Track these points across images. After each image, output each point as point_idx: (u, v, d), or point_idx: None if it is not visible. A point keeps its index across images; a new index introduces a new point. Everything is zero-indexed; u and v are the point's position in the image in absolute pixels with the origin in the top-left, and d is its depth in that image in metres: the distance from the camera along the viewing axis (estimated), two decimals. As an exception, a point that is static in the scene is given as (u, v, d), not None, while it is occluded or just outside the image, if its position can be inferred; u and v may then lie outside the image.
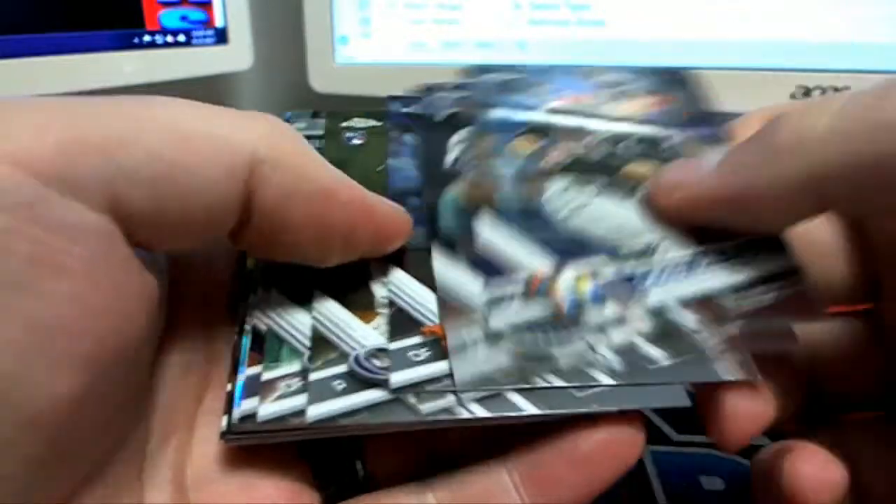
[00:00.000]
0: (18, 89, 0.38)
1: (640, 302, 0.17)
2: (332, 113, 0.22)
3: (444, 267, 0.17)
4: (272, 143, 0.14)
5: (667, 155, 0.20)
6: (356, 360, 0.16)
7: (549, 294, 0.17)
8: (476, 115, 0.21)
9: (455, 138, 0.21)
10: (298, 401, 0.15)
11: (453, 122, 0.21)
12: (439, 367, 0.15)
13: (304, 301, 0.17)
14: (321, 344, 0.16)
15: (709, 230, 0.18)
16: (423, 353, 0.16)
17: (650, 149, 0.20)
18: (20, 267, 0.11)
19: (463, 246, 0.18)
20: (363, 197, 0.16)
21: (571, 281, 0.17)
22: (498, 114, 0.21)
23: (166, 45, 0.44)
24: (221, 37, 0.46)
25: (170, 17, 0.44)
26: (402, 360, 0.16)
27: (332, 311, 0.17)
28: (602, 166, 0.20)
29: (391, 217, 0.17)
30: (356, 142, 0.21)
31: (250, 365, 0.16)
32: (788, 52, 0.45)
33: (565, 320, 0.16)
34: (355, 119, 0.22)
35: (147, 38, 0.43)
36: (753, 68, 0.45)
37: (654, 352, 0.16)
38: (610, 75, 0.23)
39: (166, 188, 0.13)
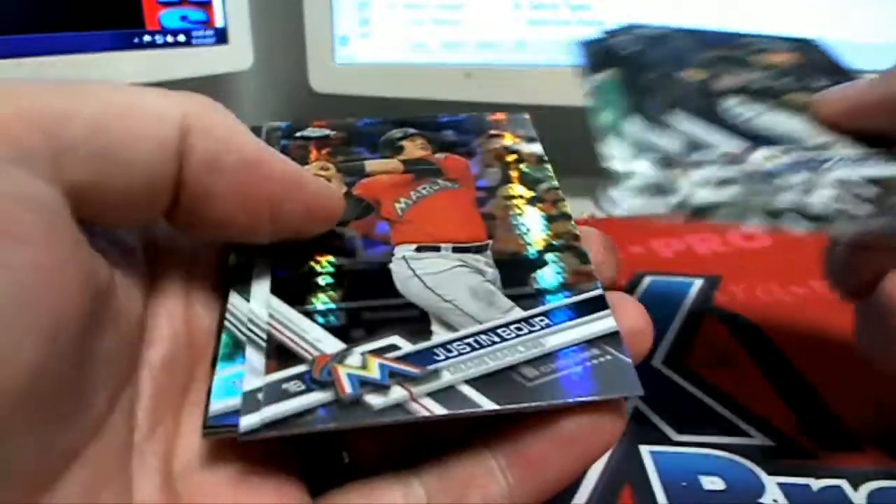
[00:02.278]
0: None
1: (827, 176, 0.19)
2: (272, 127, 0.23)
3: (662, 136, 0.20)
4: (200, 114, 0.15)
5: (821, 90, 0.23)
6: (312, 363, 0.16)
7: (743, 163, 0.19)
8: (645, 55, 0.25)
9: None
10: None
11: (634, 57, 0.25)
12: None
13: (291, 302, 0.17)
14: (277, 347, 0.16)
15: (873, 140, 0.20)
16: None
17: (807, 85, 0.23)
18: None
19: (670, 127, 0.20)
20: (292, 171, 0.16)
21: (762, 158, 0.19)
22: (660, 53, 0.25)
23: (166, 45, 0.44)
24: (221, 37, 0.46)
25: (170, 17, 0.44)
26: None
27: (287, 315, 0.17)
28: (767, 93, 0.23)
29: (322, 195, 0.17)
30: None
31: (268, 371, 0.16)
32: (788, 52, 0.45)
33: (764, 177, 0.18)
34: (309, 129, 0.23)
35: (147, 38, 0.43)
36: (753, 68, 0.45)
37: (860, 207, 0.18)
38: (747, 38, 0.27)
39: (107, 161, 0.14)
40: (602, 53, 0.26)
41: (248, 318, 0.17)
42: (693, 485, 0.25)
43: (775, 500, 0.24)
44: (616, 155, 0.19)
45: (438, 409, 0.15)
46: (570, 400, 0.15)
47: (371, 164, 0.21)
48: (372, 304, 0.17)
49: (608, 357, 0.16)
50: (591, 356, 0.16)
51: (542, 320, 0.17)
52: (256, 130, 0.22)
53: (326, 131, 0.23)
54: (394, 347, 0.16)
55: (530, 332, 0.16)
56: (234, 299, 0.17)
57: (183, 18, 0.44)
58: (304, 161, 0.21)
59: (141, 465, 0.15)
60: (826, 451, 0.26)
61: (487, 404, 0.15)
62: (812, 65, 0.25)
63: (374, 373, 0.15)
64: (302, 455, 0.17)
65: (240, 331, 0.17)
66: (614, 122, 0.21)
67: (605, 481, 0.25)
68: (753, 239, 0.43)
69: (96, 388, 0.14)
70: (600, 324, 0.17)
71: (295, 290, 0.17)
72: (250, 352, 0.16)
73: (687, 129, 0.20)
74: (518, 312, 0.17)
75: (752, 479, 0.25)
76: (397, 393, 0.15)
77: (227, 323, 0.17)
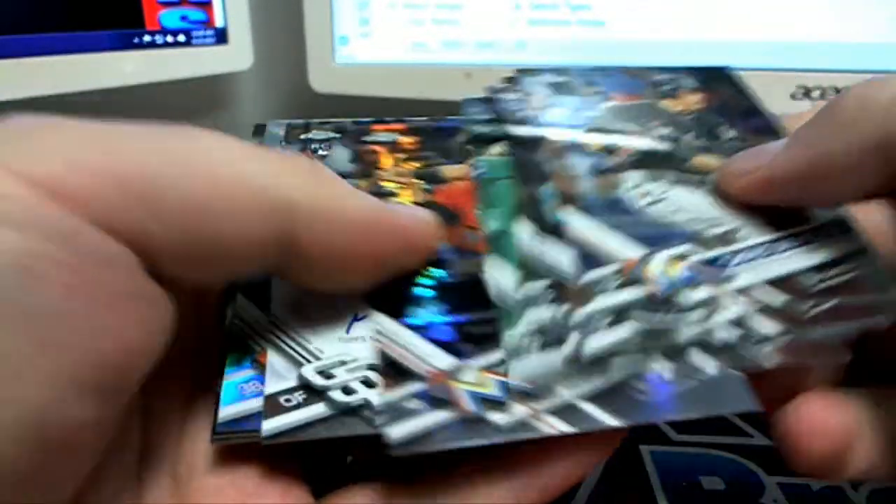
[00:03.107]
0: (18, 89, 0.38)
1: (730, 283, 0.17)
2: (291, 125, 0.22)
3: (554, 249, 0.18)
4: (305, 185, 0.15)
5: (729, 146, 0.21)
6: (427, 379, 0.16)
7: (642, 279, 0.17)
8: (541, 115, 0.22)
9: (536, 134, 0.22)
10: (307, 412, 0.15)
11: (525, 124, 0.22)
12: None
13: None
14: (389, 363, 0.16)
15: (780, 217, 0.19)
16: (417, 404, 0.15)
17: (712, 141, 0.21)
18: (59, 297, 0.11)
19: (562, 234, 0.19)
20: (401, 226, 0.17)
21: (662, 265, 0.18)
22: (559, 113, 0.22)
23: (166, 45, 0.44)
24: (221, 37, 0.46)
25: (170, 17, 0.44)
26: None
27: (392, 329, 0.17)
28: (670, 159, 0.21)
29: (421, 233, 0.17)
30: (322, 153, 0.21)
31: (386, 388, 0.15)
32: (788, 52, 0.45)
33: (660, 302, 0.17)
34: (314, 131, 0.22)
35: (147, 38, 0.43)
36: (753, 68, 0.45)
37: (768, 325, 0.16)
38: (653, 75, 0.24)
39: (197, 232, 0.13)
40: (489, 121, 0.22)
41: (270, 321, 0.17)
42: (693, 485, 0.25)
43: (775, 500, 0.24)
44: (503, 285, 0.17)
45: (564, 427, 0.15)
46: (686, 416, 0.15)
47: (447, 170, 0.21)
48: (476, 318, 0.17)
49: (721, 373, 0.16)
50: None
51: None
52: (260, 129, 0.22)
53: (395, 135, 0.22)
54: (504, 362, 0.16)
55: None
56: (242, 303, 0.17)
57: (183, 18, 0.44)
58: (375, 166, 0.21)
59: (151, 473, 0.15)
60: (826, 451, 0.26)
61: (610, 420, 0.15)
62: (721, 106, 0.23)
63: (491, 389, 0.15)
64: (306, 457, 0.17)
65: (248, 336, 0.17)
66: (502, 229, 0.19)
67: (605, 481, 0.25)
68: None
69: (125, 418, 0.14)
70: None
71: (396, 304, 0.17)
72: (272, 354, 0.16)
73: (581, 233, 0.18)
74: None
75: (752, 479, 0.25)
76: (520, 410, 0.15)
77: (234, 329, 0.17)
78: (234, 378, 0.16)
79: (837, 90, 0.45)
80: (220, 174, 0.14)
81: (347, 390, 0.15)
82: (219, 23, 0.46)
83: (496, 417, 0.15)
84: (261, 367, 0.16)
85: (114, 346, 0.12)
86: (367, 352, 0.16)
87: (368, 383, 0.16)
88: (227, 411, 0.15)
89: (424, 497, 0.16)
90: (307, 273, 0.16)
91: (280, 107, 0.66)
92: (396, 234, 0.16)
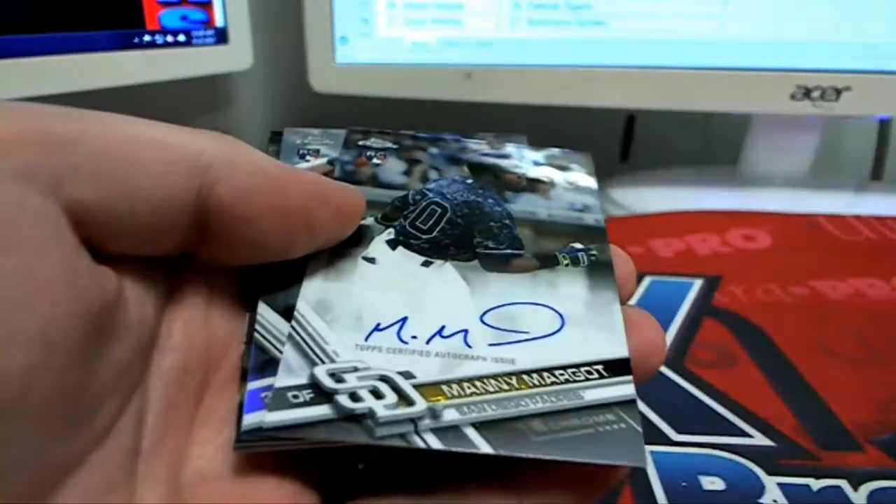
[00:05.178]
0: (19, 89, 0.38)
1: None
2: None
3: None
4: (219, 144, 0.15)
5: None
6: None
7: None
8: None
9: None
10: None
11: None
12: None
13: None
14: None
15: None
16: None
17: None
18: None
19: None
20: (317, 180, 0.17)
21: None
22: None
23: (166, 44, 0.44)
24: (221, 37, 0.46)
25: (170, 16, 0.44)
26: None
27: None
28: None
29: (346, 196, 0.17)
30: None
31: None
32: (788, 52, 0.45)
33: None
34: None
35: (147, 37, 0.43)
36: (753, 68, 0.45)
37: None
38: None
39: (112, 185, 0.14)
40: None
41: (293, 320, 0.17)
42: (693, 485, 0.25)
43: (775, 501, 0.24)
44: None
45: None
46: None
47: None
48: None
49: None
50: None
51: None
52: (277, 137, 0.22)
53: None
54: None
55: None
56: (264, 310, 0.17)
57: (183, 18, 0.44)
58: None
59: (147, 473, 0.15)
60: (826, 451, 0.26)
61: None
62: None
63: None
64: (319, 466, 0.17)
65: (271, 344, 0.16)
66: None
67: (605, 481, 0.25)
68: (753, 239, 0.43)
69: (103, 398, 0.14)
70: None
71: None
72: (288, 349, 0.16)
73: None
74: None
75: (752, 479, 0.25)
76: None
77: (256, 335, 0.17)
78: (257, 385, 0.16)
79: (837, 90, 0.45)
80: (126, 130, 0.14)
81: (355, 397, 0.15)
82: (219, 23, 0.46)
83: (374, 426, 0.15)
84: None
85: (32, 289, 0.12)
86: (381, 362, 0.16)
87: (377, 393, 0.15)
88: (250, 419, 0.15)
89: None
90: (237, 239, 0.16)
91: (280, 107, 0.66)
92: (318, 193, 0.16)
